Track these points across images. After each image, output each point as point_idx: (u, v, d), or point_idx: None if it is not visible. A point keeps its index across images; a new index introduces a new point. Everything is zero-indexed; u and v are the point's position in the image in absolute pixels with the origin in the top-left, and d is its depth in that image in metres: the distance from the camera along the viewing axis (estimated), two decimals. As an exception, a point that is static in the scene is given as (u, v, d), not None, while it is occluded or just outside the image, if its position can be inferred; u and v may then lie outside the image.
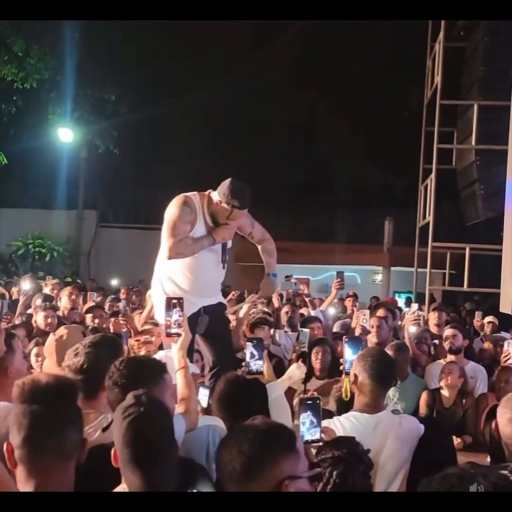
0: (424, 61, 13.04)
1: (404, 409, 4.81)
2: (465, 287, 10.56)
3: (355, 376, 3.14)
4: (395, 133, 16.28)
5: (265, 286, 4.78)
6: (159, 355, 3.46)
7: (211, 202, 4.34)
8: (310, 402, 2.50)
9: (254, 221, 4.79)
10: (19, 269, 16.81)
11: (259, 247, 4.89)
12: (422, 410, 5.05)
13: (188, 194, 4.37)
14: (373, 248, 17.23)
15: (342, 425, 2.97)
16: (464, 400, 5.10)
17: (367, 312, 5.85)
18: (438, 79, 11.01)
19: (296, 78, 16.97)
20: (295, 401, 3.16)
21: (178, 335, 3.32)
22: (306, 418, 2.47)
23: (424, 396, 5.12)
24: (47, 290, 7.79)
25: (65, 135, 17.05)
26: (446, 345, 5.69)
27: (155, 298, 4.58)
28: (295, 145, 17.82)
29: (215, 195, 4.32)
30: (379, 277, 18.34)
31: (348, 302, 9.26)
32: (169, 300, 3.42)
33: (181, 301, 3.47)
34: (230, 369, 3.35)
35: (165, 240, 4.25)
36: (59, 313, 6.32)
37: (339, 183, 17.47)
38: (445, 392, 5.06)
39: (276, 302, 7.40)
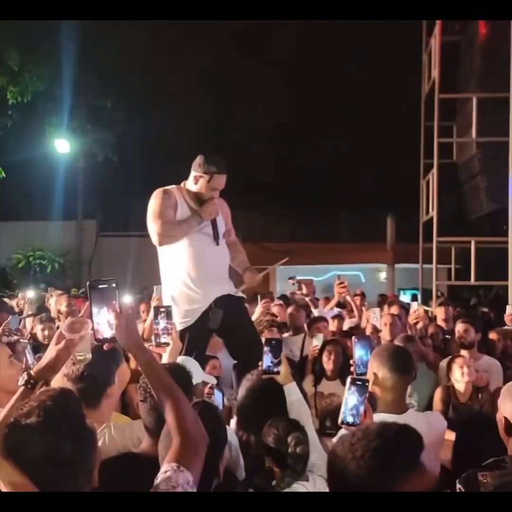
0: (419, 56, 12.98)
1: (418, 402, 4.72)
2: (472, 281, 10.48)
3: (374, 374, 3.06)
4: (393, 129, 16.23)
5: (249, 278, 4.52)
6: (180, 360, 3.37)
7: (189, 190, 4.32)
8: (359, 383, 2.51)
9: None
10: (20, 282, 16.74)
11: (230, 252, 4.64)
12: (437, 406, 4.92)
13: (163, 187, 4.37)
14: (376, 246, 17.17)
15: None
16: (480, 395, 4.99)
17: (378, 310, 5.76)
18: (435, 73, 10.96)
19: (291, 79, 16.92)
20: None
21: (167, 344, 3.29)
22: (351, 399, 2.47)
23: (438, 392, 5.01)
24: (52, 301, 7.71)
25: (62, 146, 16.98)
26: (458, 339, 5.61)
27: (165, 303, 4.47)
28: (293, 146, 17.75)
29: (191, 176, 4.31)
30: (383, 275, 18.28)
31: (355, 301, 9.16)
32: (156, 308, 3.41)
33: (169, 309, 3.47)
34: (254, 362, 3.22)
35: (152, 227, 4.20)
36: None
37: (339, 182, 17.43)
38: (460, 387, 4.95)
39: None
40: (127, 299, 8.04)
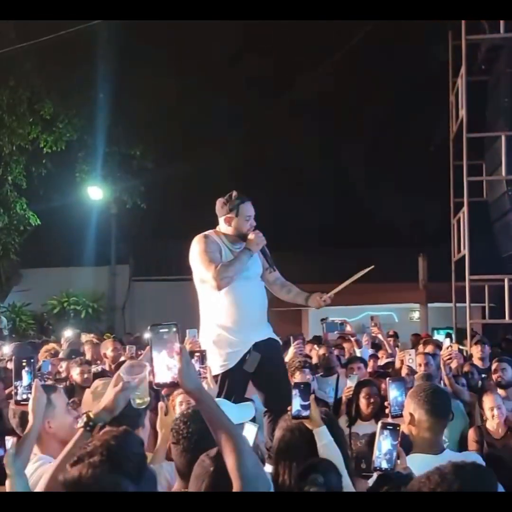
0: (446, 97, 13.09)
1: (449, 439, 4.67)
2: (506, 319, 10.33)
3: (411, 415, 3.05)
4: (422, 169, 16.28)
5: (317, 302, 4.57)
6: None
7: (226, 234, 4.40)
8: (391, 427, 2.50)
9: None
10: (55, 327, 16.94)
11: (274, 286, 4.72)
12: (472, 447, 4.87)
13: (200, 233, 4.44)
14: (409, 286, 17.03)
15: None
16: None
17: (413, 351, 5.70)
18: (462, 112, 11.02)
19: (320, 121, 17.13)
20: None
21: None
22: (384, 444, 2.46)
23: (471, 433, 4.96)
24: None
25: (95, 193, 17.37)
26: (495, 379, 5.55)
27: (205, 347, 4.48)
28: (324, 187, 17.89)
29: (221, 221, 4.41)
30: (416, 315, 18.08)
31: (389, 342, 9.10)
32: (190, 352, 3.44)
33: (204, 353, 3.52)
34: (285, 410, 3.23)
35: (206, 273, 4.21)
36: (106, 367, 6.31)
37: (369, 222, 17.45)
38: (492, 425, 4.87)
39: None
40: None
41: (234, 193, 4.41)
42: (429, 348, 5.97)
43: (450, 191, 12.86)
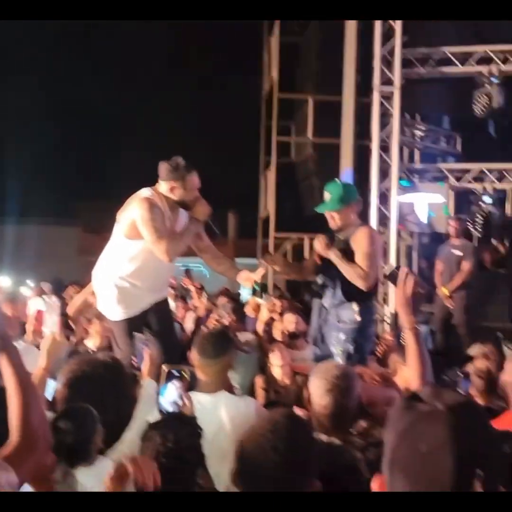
0: (261, 55, 13.21)
1: (241, 385, 4.83)
2: (305, 276, 10.86)
3: None
4: (235, 127, 16.47)
5: (247, 278, 4.51)
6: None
7: (168, 198, 4.24)
8: (175, 372, 2.65)
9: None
10: None
11: (205, 255, 4.68)
12: (259, 393, 5.05)
13: (145, 195, 4.22)
14: (218, 241, 17.34)
15: None
16: (300, 379, 5.13)
17: (229, 306, 5.87)
18: (274, 73, 11.23)
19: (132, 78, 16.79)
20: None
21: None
22: (168, 389, 2.61)
23: (257, 380, 5.14)
24: None
25: None
26: (286, 330, 5.77)
27: (101, 291, 4.50)
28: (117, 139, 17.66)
29: (163, 185, 4.24)
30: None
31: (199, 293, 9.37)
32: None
33: (58, 304, 3.48)
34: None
35: (158, 246, 4.14)
36: None
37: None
38: (276, 372, 5.09)
39: None
40: None
41: (181, 162, 4.23)
42: (222, 300, 6.16)
43: (260, 150, 13.14)
